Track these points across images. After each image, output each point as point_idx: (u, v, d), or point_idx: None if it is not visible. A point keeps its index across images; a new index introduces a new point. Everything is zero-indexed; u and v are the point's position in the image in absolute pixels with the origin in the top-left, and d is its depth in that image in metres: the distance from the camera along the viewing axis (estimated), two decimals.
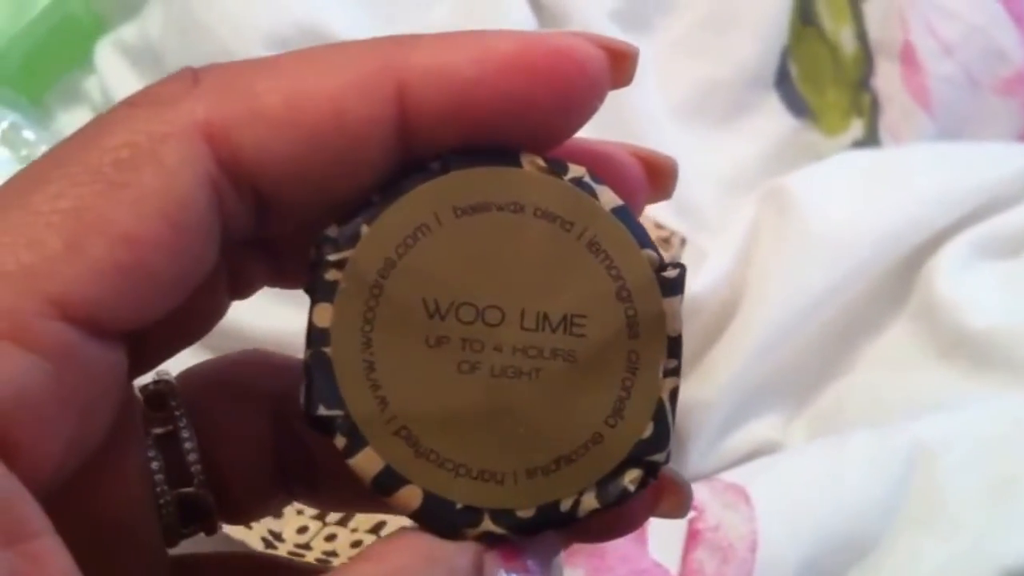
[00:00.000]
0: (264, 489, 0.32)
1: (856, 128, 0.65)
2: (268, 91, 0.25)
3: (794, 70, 0.66)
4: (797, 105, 0.65)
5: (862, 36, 0.65)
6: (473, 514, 0.26)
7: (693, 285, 0.54)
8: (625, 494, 0.26)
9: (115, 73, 0.61)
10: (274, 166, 0.25)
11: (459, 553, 0.25)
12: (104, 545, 0.28)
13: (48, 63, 0.61)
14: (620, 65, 0.26)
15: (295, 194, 0.26)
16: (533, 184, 0.26)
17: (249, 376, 0.32)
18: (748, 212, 0.58)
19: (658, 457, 0.26)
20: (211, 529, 0.31)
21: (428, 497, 0.25)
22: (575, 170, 0.27)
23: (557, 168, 0.27)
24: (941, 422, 0.50)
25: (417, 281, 0.26)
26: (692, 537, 0.46)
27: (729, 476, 0.49)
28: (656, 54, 0.66)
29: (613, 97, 0.57)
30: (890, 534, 0.47)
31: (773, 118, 0.65)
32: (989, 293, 0.56)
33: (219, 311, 0.30)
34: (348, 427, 0.25)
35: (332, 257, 0.26)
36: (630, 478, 0.26)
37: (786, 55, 0.66)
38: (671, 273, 0.27)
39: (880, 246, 0.56)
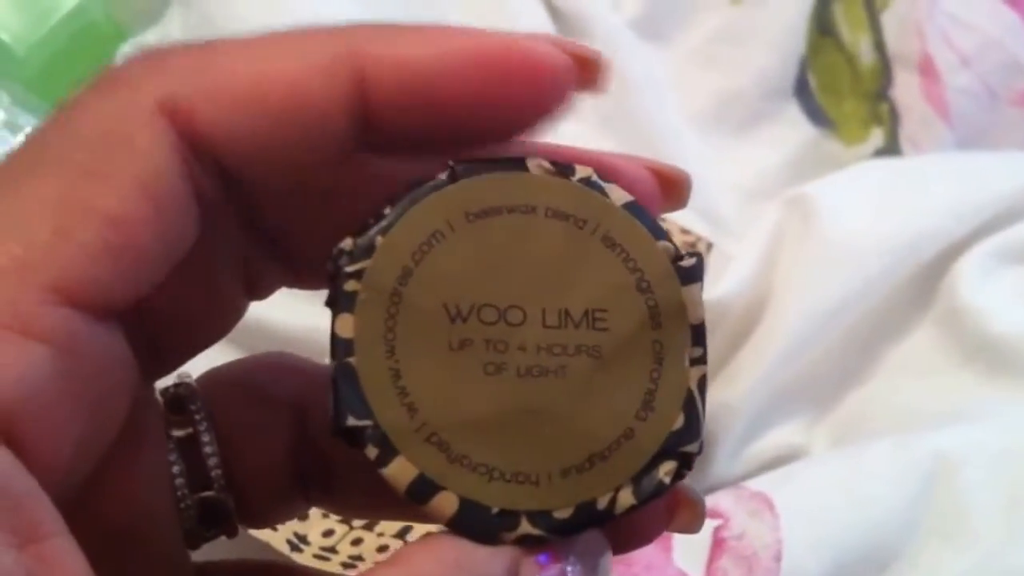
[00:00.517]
0: (283, 493, 0.32)
1: (876, 137, 0.65)
2: (231, 71, 0.25)
3: (812, 80, 0.66)
4: (816, 115, 0.65)
5: (880, 46, 0.65)
6: (510, 518, 0.25)
7: (718, 290, 0.54)
8: (661, 487, 0.26)
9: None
10: (236, 144, 0.25)
11: (492, 559, 0.25)
12: (123, 549, 0.28)
13: (69, 70, 0.61)
14: (588, 71, 0.26)
15: (261, 173, 0.26)
16: (542, 186, 0.27)
17: (269, 380, 0.32)
18: (771, 218, 0.58)
19: (691, 447, 0.26)
20: (232, 533, 0.31)
21: (464, 503, 0.25)
22: (583, 171, 0.27)
23: (565, 170, 0.27)
24: (962, 432, 0.50)
25: (436, 286, 0.26)
26: (717, 546, 0.46)
27: (754, 484, 0.49)
28: (675, 65, 0.66)
29: (631, 109, 0.56)
30: (912, 545, 0.47)
31: (793, 127, 0.65)
32: (1010, 300, 0.56)
33: (236, 312, 0.31)
34: (378, 437, 0.25)
35: (349, 268, 0.26)
36: (665, 471, 0.26)
37: (804, 65, 0.66)
38: (688, 262, 0.27)
39: (901, 253, 0.56)
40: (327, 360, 0.26)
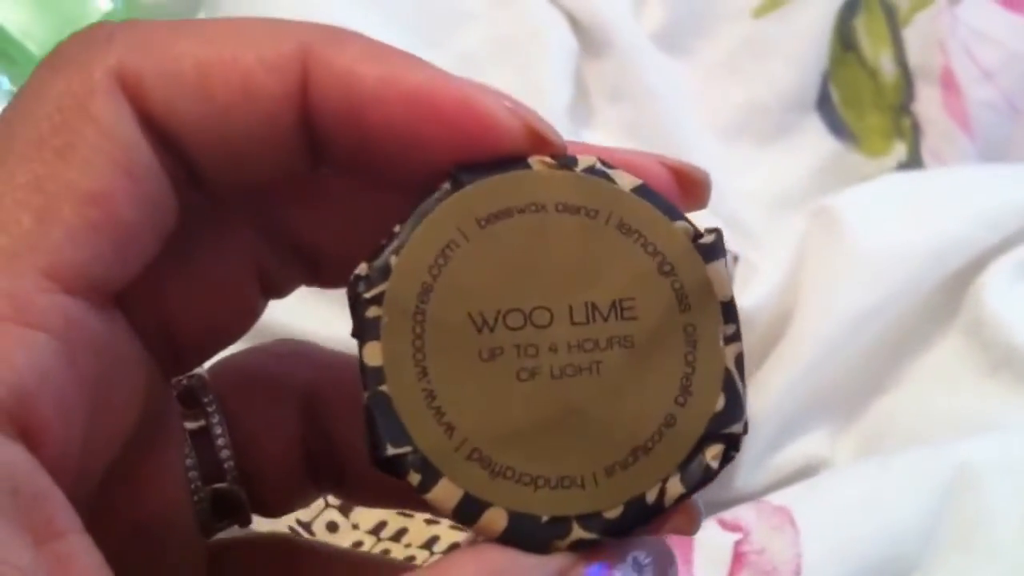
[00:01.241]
0: (295, 482, 0.32)
1: (899, 151, 0.65)
2: (183, 54, 0.24)
3: (835, 94, 0.66)
4: (838, 128, 0.65)
5: (902, 61, 0.65)
6: (561, 524, 0.25)
7: (744, 301, 0.54)
8: (709, 473, 0.25)
9: None
10: (184, 128, 0.25)
11: (540, 567, 0.25)
12: (143, 541, 0.29)
13: None
14: (542, 145, 0.26)
15: (213, 162, 0.26)
16: (547, 181, 0.26)
17: (281, 369, 0.32)
18: (796, 229, 0.58)
19: (736, 428, 0.26)
20: (245, 522, 0.32)
21: (513, 516, 0.25)
22: (585, 160, 0.26)
23: (567, 162, 0.26)
24: (986, 443, 0.49)
25: (458, 298, 0.25)
26: (737, 560, 0.46)
27: (776, 498, 0.49)
28: (697, 77, 0.66)
29: (653, 120, 0.55)
30: (932, 557, 0.46)
31: (815, 140, 0.65)
32: None
33: (253, 312, 0.31)
34: (419, 462, 0.25)
35: (368, 294, 0.25)
36: (711, 455, 0.25)
37: (826, 79, 0.66)
38: (708, 238, 0.26)
39: (926, 264, 0.56)
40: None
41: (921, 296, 0.56)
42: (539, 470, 0.25)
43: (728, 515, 0.48)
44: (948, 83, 0.64)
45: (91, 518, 0.25)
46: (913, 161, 0.64)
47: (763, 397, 0.54)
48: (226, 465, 0.30)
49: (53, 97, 0.24)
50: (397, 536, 0.48)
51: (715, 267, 0.26)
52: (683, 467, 0.25)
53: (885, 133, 0.65)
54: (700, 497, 0.26)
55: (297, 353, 0.32)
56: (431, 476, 0.25)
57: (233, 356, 0.32)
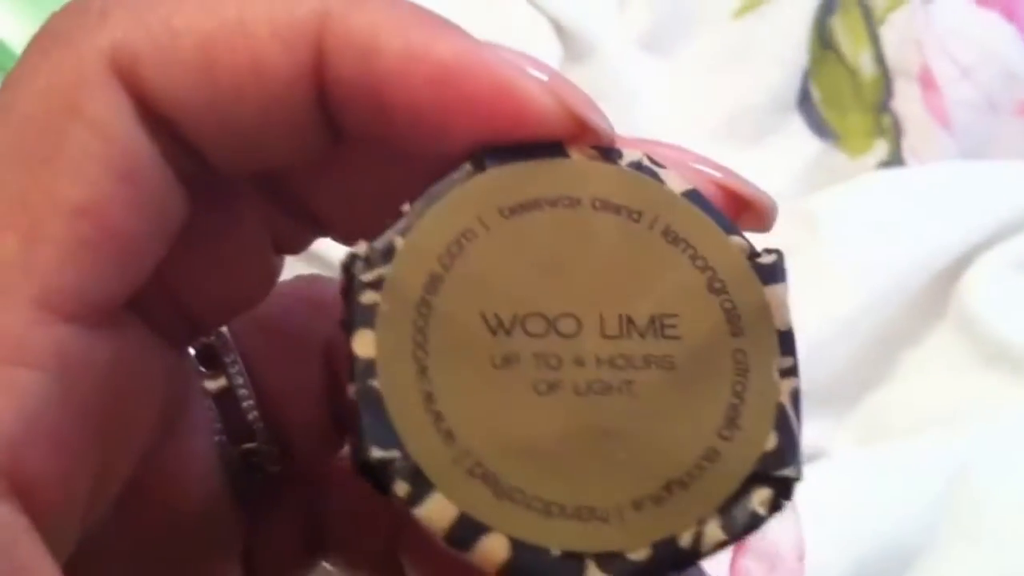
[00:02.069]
0: (323, 434, 0.30)
1: (880, 149, 0.65)
2: (183, 29, 0.22)
3: (816, 93, 0.66)
4: (820, 127, 0.66)
5: (880, 59, 0.66)
6: (574, 563, 0.21)
7: None
8: (756, 520, 0.22)
9: None
10: (186, 116, 0.22)
11: None
12: (181, 518, 0.28)
13: None
14: (585, 135, 0.23)
15: (221, 149, 0.23)
16: (585, 174, 0.23)
17: (300, 315, 0.30)
18: (778, 231, 0.58)
19: (789, 472, 0.22)
20: (277, 479, 0.30)
21: (517, 546, 0.21)
22: (631, 154, 0.24)
23: (610, 154, 0.24)
24: (983, 433, 0.50)
25: (471, 294, 0.22)
26: (739, 545, 0.46)
27: None
28: (679, 79, 0.67)
29: (637, 123, 0.55)
30: (934, 545, 0.47)
31: (797, 140, 0.66)
32: (1022, 307, 0.56)
33: (270, 272, 0.28)
34: (409, 470, 0.21)
35: (366, 277, 0.22)
36: (759, 500, 0.22)
37: (807, 78, 0.66)
38: (767, 259, 0.23)
39: (910, 267, 0.56)
40: None
41: (908, 297, 0.57)
42: (554, 495, 0.21)
43: None
44: (927, 81, 0.65)
45: (120, 513, 0.25)
46: (894, 159, 0.65)
47: None
48: (255, 426, 0.29)
49: (39, 92, 0.21)
50: None
51: (775, 290, 0.23)
52: (724, 510, 0.22)
53: (866, 132, 0.66)
54: None
55: (317, 297, 0.30)
56: (423, 488, 0.21)
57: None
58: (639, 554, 0.21)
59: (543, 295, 0.22)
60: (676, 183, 0.24)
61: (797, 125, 0.66)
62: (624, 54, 0.65)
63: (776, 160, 0.66)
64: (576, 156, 0.23)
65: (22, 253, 0.21)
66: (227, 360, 0.29)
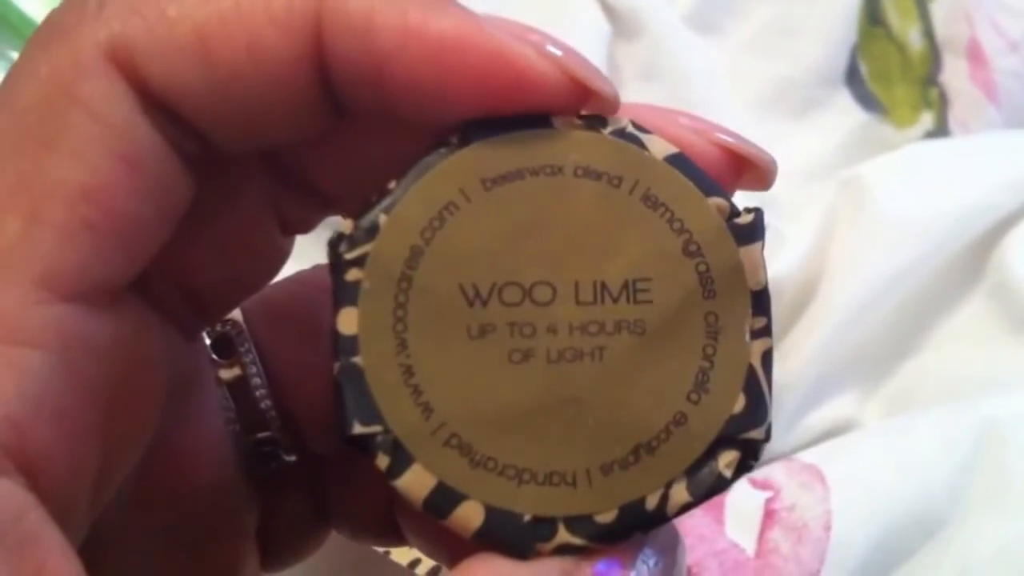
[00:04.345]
0: (330, 423, 0.29)
1: (926, 120, 0.65)
2: (179, 17, 0.22)
3: (863, 68, 0.66)
4: (868, 101, 0.66)
5: (929, 34, 0.66)
6: (545, 526, 0.22)
7: (772, 269, 0.54)
8: (721, 482, 0.23)
9: None
10: (187, 101, 0.22)
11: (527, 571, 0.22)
12: (194, 505, 0.28)
13: None
14: (589, 98, 0.24)
15: (224, 131, 0.23)
16: (570, 142, 0.23)
17: (314, 303, 0.29)
18: (825, 199, 0.59)
19: (755, 434, 0.23)
20: (288, 466, 0.30)
21: (491, 512, 0.22)
22: (616, 121, 0.24)
23: (595, 122, 0.24)
24: (1012, 400, 0.50)
25: (450, 267, 0.23)
26: (768, 517, 0.47)
27: (805, 456, 0.50)
28: (728, 56, 0.67)
29: (687, 98, 0.55)
30: (959, 512, 0.47)
31: (845, 113, 0.66)
32: None
33: (278, 253, 0.28)
34: (390, 443, 0.22)
35: (350, 255, 0.23)
36: (725, 462, 0.23)
37: (855, 53, 0.67)
38: (745, 219, 0.24)
39: (952, 227, 0.56)
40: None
41: (946, 259, 0.57)
42: (525, 463, 0.22)
43: (758, 474, 0.49)
44: (974, 54, 0.65)
45: (133, 498, 0.25)
46: (940, 131, 0.65)
47: (793, 360, 0.55)
48: (268, 414, 0.29)
49: (39, 81, 0.22)
50: None
51: (749, 251, 0.23)
52: (691, 472, 0.22)
53: (913, 104, 0.66)
54: None
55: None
56: (402, 460, 0.22)
57: (263, 292, 0.29)
58: (607, 516, 0.22)
59: (520, 264, 0.23)
60: (659, 148, 0.24)
61: (844, 99, 0.66)
62: (674, 32, 0.65)
63: (824, 132, 0.66)
64: (561, 126, 0.24)
65: (23, 235, 0.21)
66: (241, 350, 0.29)
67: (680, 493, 0.22)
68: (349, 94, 0.23)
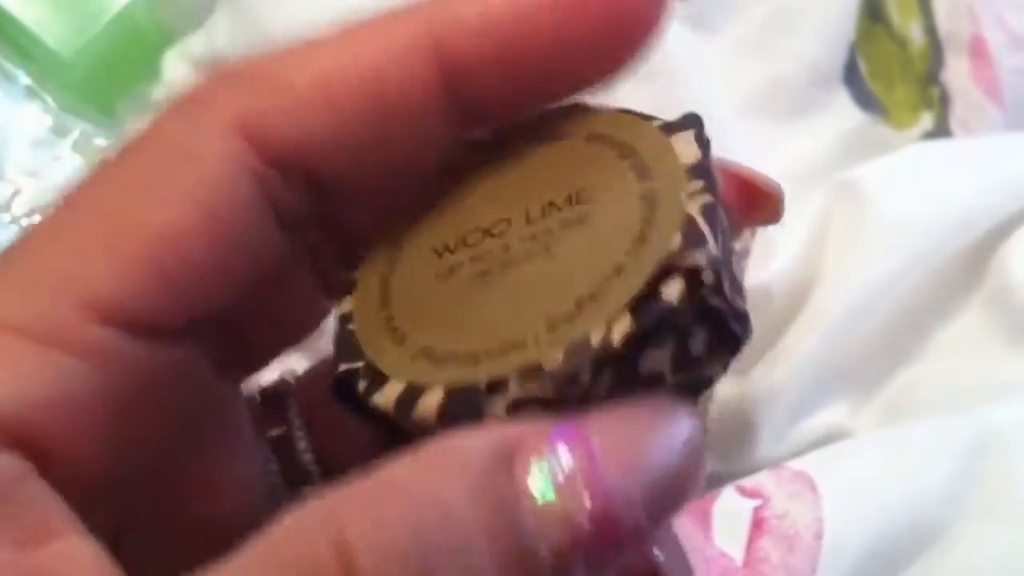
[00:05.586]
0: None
1: (926, 121, 0.64)
2: (297, 75, 0.25)
3: (863, 66, 0.65)
4: (866, 100, 0.65)
5: (931, 30, 0.65)
6: (499, 387, 0.23)
7: (765, 273, 0.54)
8: (667, 309, 0.23)
9: (183, 83, 0.61)
10: (319, 149, 0.25)
11: (469, 442, 0.21)
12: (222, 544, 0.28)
13: (115, 74, 0.62)
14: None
15: (353, 171, 0.25)
16: (601, 119, 0.26)
17: None
18: (818, 202, 0.58)
19: (694, 259, 0.23)
20: None
21: (450, 392, 0.23)
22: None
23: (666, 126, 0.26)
24: (1009, 409, 0.49)
25: (428, 236, 0.26)
26: (757, 525, 0.46)
27: (796, 464, 0.49)
28: (724, 54, 0.66)
29: (681, 98, 0.54)
30: (955, 522, 0.46)
31: (842, 113, 0.65)
32: None
33: (317, 311, 0.30)
34: (370, 371, 0.24)
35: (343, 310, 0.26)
36: (668, 291, 0.23)
37: (854, 51, 0.65)
38: (674, 119, 0.26)
39: (951, 231, 0.55)
40: None
41: (945, 263, 0.56)
42: (484, 345, 0.23)
43: (747, 482, 0.48)
44: (978, 51, 0.64)
45: (161, 523, 0.26)
46: (940, 131, 0.64)
47: (785, 366, 0.54)
48: (310, 469, 0.30)
49: (160, 138, 0.24)
50: None
51: (678, 137, 0.25)
52: (635, 306, 0.23)
53: (913, 105, 0.64)
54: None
55: None
56: (378, 380, 0.24)
57: (322, 363, 0.31)
58: (554, 361, 0.22)
59: (486, 213, 0.26)
60: (689, 152, 0.25)
61: (842, 99, 0.65)
62: (671, 30, 0.64)
63: (821, 133, 0.64)
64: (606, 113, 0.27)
65: (94, 258, 0.23)
66: (288, 411, 0.31)
67: (624, 324, 0.22)
68: (479, 93, 0.25)
